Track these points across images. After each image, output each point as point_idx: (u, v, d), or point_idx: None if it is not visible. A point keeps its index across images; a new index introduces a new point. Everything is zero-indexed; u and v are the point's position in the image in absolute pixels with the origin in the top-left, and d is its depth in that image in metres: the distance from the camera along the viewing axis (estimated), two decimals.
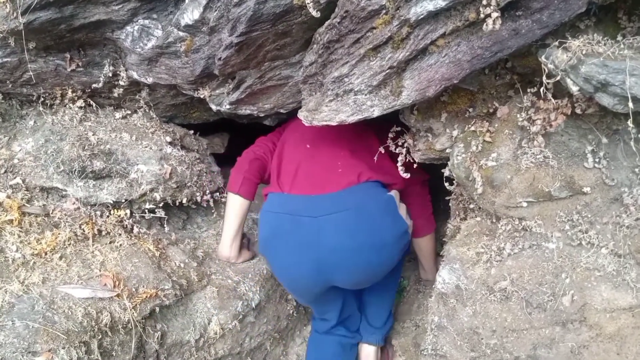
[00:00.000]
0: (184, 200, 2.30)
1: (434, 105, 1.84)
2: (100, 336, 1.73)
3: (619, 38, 1.36)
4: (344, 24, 1.56)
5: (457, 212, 2.03)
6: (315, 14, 1.54)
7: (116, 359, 1.81)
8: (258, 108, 2.17)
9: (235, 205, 2.26)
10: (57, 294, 1.72)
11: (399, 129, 2.02)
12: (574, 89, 1.34)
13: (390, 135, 2.03)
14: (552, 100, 1.47)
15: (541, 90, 1.41)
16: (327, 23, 1.61)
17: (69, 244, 1.91)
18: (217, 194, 2.51)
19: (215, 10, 1.71)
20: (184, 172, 2.28)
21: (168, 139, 2.34)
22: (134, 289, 1.87)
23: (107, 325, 1.75)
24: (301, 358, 2.77)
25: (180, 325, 2.07)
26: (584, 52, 1.30)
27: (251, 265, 2.44)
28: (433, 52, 1.50)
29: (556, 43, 1.35)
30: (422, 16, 1.40)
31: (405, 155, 2.01)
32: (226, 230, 2.31)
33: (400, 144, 2.03)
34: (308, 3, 1.52)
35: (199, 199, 2.38)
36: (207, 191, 2.43)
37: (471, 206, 1.92)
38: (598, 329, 1.39)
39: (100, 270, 1.86)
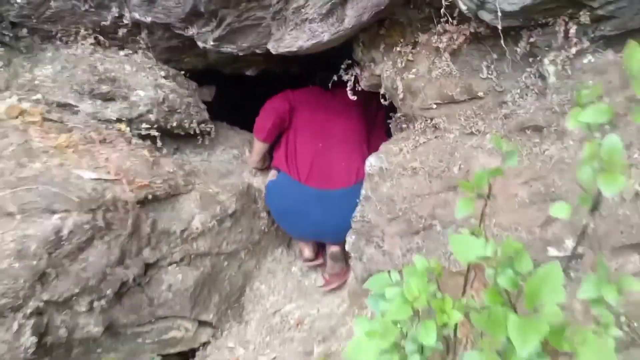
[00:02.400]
0: (174, 124, 2.77)
1: (375, 39, 2.32)
2: (105, 208, 2.19)
3: None
4: None
5: (395, 133, 2.51)
6: None
7: (116, 232, 2.28)
8: (238, 46, 2.63)
9: (262, 147, 3.16)
10: (71, 174, 2.18)
11: (350, 61, 2.50)
12: (463, 7, 1.82)
13: (343, 67, 2.51)
14: (454, 23, 1.95)
15: (440, 11, 1.89)
16: None
17: (80, 144, 2.37)
18: (203, 124, 2.97)
19: None
20: (175, 99, 2.75)
21: (162, 73, 2.81)
22: (131, 178, 2.33)
23: (110, 201, 2.21)
24: (271, 272, 3.25)
25: (169, 218, 2.53)
26: None
27: (229, 182, 2.91)
28: None
29: None
30: None
31: (354, 83, 2.49)
32: (255, 155, 3.21)
33: (350, 74, 2.51)
34: None
35: (187, 125, 2.84)
36: (194, 121, 2.90)
37: (402, 125, 2.40)
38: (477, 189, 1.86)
39: (105, 162, 2.32)
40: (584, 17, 1.73)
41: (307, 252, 3.14)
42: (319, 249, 3.24)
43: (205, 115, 3.03)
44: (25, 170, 2.11)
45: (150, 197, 2.39)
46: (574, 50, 1.79)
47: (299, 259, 3.32)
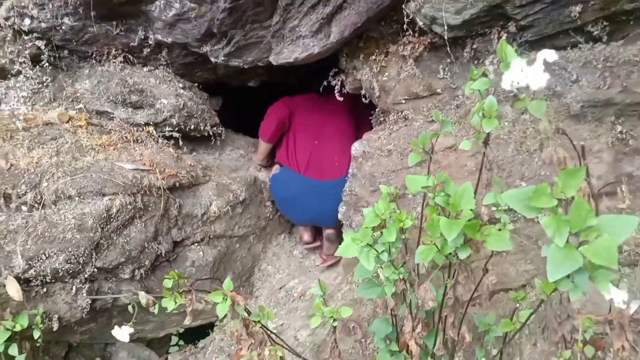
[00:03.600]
0: (192, 127, 3.31)
1: (356, 50, 2.88)
2: (142, 192, 2.72)
3: None
4: None
5: (376, 125, 3.06)
6: None
7: (151, 213, 2.80)
8: (244, 60, 3.19)
9: (266, 147, 3.74)
10: (115, 165, 2.71)
11: (336, 69, 3.05)
12: (420, 23, 2.38)
13: (331, 74, 3.07)
14: (415, 35, 2.51)
15: (404, 26, 2.44)
16: None
17: (119, 142, 2.91)
18: (215, 127, 3.51)
19: None
20: (192, 106, 3.29)
21: (180, 85, 3.35)
22: (162, 169, 2.86)
23: (147, 187, 2.73)
24: (276, 255, 3.77)
25: (191, 203, 3.06)
26: (423, 1, 2.34)
27: (239, 175, 3.44)
28: (346, 7, 2.54)
29: None
30: None
31: (340, 87, 3.05)
32: (260, 154, 3.79)
33: (337, 80, 3.06)
34: None
35: (202, 128, 3.38)
36: (208, 124, 3.44)
37: (381, 119, 2.95)
38: (438, 163, 2.41)
39: (140, 157, 2.86)
40: (512, 27, 2.30)
41: (307, 236, 3.67)
42: (317, 233, 3.76)
43: (217, 119, 3.57)
44: (79, 162, 2.64)
45: (177, 185, 2.92)
46: None
47: (299, 244, 3.84)
